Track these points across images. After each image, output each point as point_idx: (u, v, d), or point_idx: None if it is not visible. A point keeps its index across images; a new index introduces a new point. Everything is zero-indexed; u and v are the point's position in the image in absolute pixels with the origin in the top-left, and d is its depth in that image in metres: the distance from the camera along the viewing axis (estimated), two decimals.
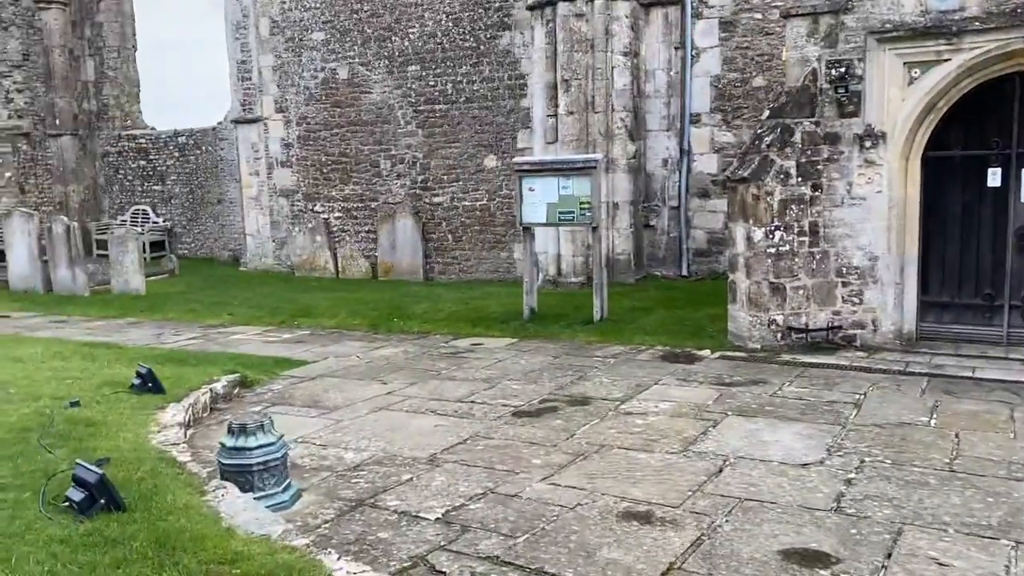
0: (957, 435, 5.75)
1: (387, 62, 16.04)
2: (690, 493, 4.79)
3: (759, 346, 8.70)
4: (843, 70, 8.50)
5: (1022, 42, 7.72)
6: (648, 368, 8.16)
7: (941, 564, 3.80)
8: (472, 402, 7.05)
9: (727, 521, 4.37)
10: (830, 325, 8.76)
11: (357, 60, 16.39)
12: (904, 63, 8.30)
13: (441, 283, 15.47)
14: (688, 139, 13.43)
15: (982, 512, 4.39)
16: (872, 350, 8.54)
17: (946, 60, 8.08)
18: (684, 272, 13.63)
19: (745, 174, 8.71)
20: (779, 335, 8.72)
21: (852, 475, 5.02)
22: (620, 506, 4.63)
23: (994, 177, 8.35)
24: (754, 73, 12.79)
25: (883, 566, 3.81)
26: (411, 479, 5.17)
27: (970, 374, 7.55)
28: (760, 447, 5.60)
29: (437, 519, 4.51)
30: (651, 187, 13.77)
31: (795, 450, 5.51)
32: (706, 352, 8.76)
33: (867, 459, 5.29)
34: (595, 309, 10.41)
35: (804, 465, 5.22)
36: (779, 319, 8.73)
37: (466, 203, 15.64)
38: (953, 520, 4.30)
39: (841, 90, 8.52)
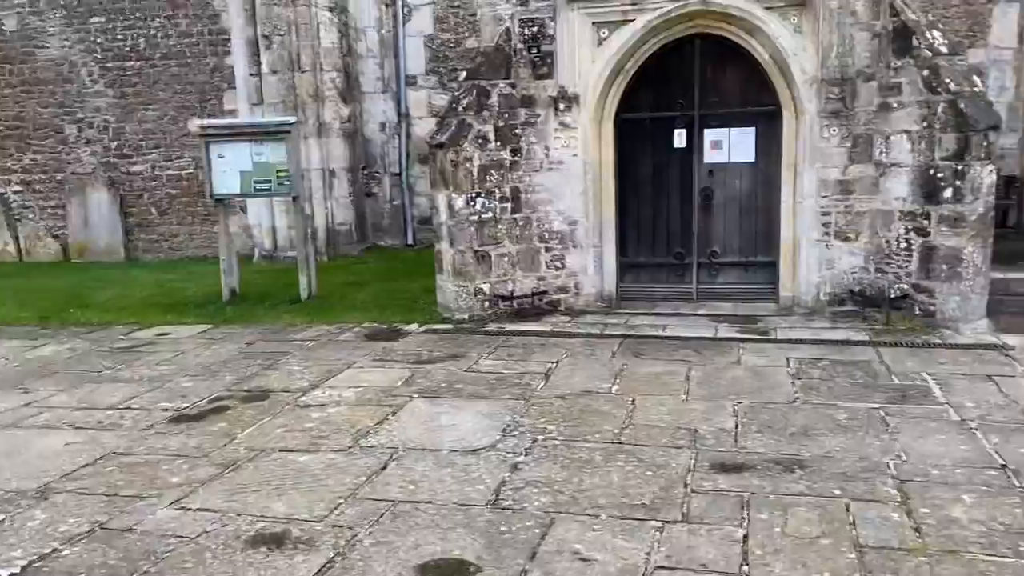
0: (634, 401, 5.68)
1: (65, 12, 13.93)
2: (341, 501, 4.23)
3: (467, 316, 8.39)
4: (535, 29, 8.28)
5: (699, 3, 7.85)
6: (348, 350, 7.54)
7: (583, 559, 3.54)
8: (127, 408, 6.05)
9: (370, 534, 3.86)
10: (535, 291, 8.63)
11: (27, 9, 14.10)
12: (593, 23, 8.22)
13: (145, 263, 13.86)
14: (405, 102, 12.87)
15: (637, 490, 4.23)
16: (576, 314, 8.53)
17: (631, 20, 8.09)
18: (410, 241, 13.16)
19: (443, 139, 8.27)
20: (486, 304, 8.46)
21: (520, 458, 4.72)
22: (254, 528, 3.97)
23: (679, 138, 8.56)
24: (467, 34, 12.41)
25: (524, 570, 3.47)
26: (1, 521, 4.17)
27: (661, 333, 7.70)
28: (436, 434, 5.18)
29: None
30: (371, 153, 13.08)
31: (471, 434, 5.15)
32: (413, 327, 8.31)
33: (540, 437, 5.04)
34: (301, 287, 9.62)
35: (475, 451, 4.85)
36: (486, 288, 8.45)
37: (170, 172, 14.08)
38: (608, 503, 4.09)
39: (534, 50, 8.30)
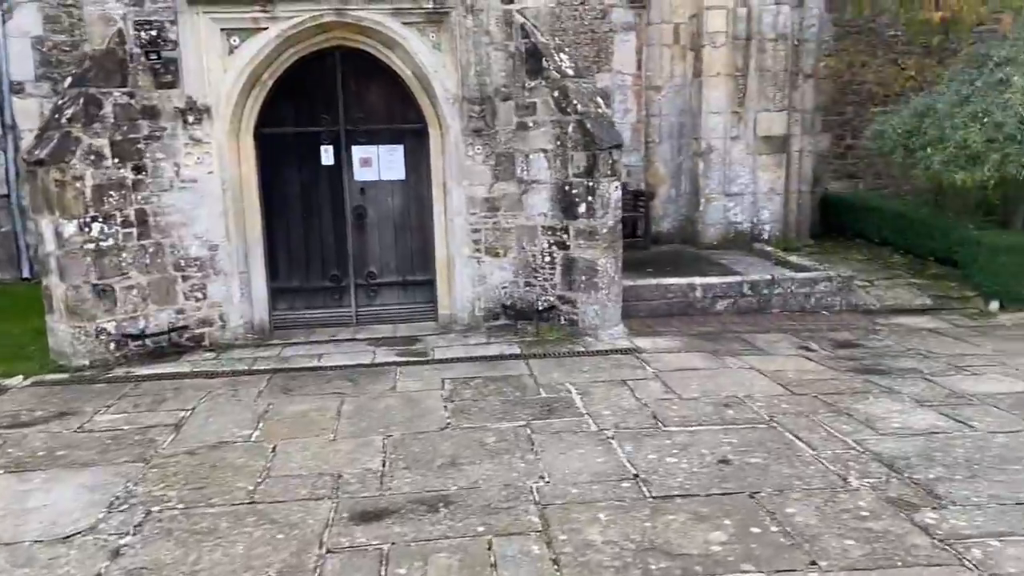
0: (275, 448, 5.11)
1: None
2: None
3: (87, 363, 7.16)
4: (154, 33, 7.36)
5: (334, 15, 7.48)
6: None
7: None
8: None
9: None
10: (173, 327, 7.66)
11: None
12: (222, 29, 7.50)
13: None
14: (11, 112, 10.95)
15: (265, 560, 3.68)
16: (223, 348, 7.70)
17: (264, 29, 7.50)
18: (26, 274, 11.22)
19: (43, 155, 7.01)
20: (112, 346, 7.31)
21: (126, 540, 3.93)
22: None
23: (327, 155, 8.12)
24: (85, 36, 10.87)
25: None
26: None
27: (316, 363, 7.18)
28: (18, 521, 4.18)
29: None
30: None
31: (66, 515, 4.23)
32: (16, 380, 6.90)
33: (155, 509, 4.27)
34: None
35: (67, 538, 3.97)
36: (111, 327, 7.31)
37: None
38: None
39: (154, 56, 7.38)
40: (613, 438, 5.08)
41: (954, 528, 3.80)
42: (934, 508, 4.02)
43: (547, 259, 7.90)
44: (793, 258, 9.88)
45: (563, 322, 7.87)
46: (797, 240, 11.37)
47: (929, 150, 8.77)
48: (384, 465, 4.75)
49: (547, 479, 4.47)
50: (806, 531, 3.80)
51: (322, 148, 8.10)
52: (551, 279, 7.92)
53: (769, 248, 10.68)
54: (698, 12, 11.11)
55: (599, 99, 8.02)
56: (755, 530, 3.82)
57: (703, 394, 5.98)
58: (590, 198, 7.63)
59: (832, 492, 4.23)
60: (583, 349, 7.36)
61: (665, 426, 5.30)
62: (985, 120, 8.30)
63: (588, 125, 7.53)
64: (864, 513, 3.98)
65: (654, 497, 4.21)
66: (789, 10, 10.89)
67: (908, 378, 6.29)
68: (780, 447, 4.89)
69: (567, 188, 7.70)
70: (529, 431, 5.23)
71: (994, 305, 8.63)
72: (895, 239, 10.62)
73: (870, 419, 5.36)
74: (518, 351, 7.29)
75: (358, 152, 8.13)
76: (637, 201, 11.35)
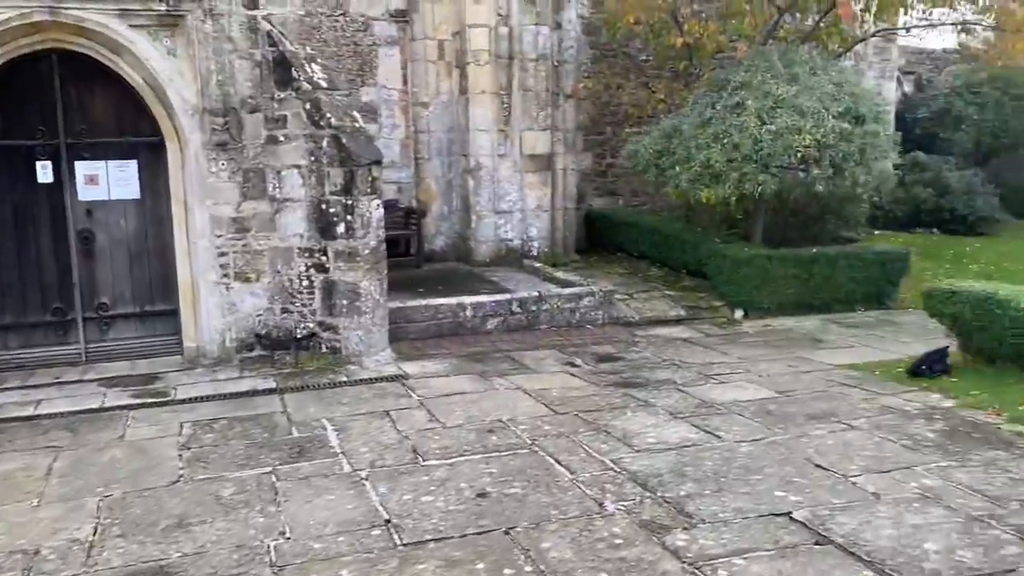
0: None
1: None
2: None
3: None
4: None
5: (47, 13, 6.57)
6: None
7: None
8: None
9: None
10: None
11: None
12: None
13: None
14: None
15: None
16: None
17: None
18: None
19: None
20: None
21: None
22: None
23: (45, 172, 7.12)
24: None
25: None
26: None
27: (32, 411, 6.20)
28: None
29: None
30: None
31: None
32: None
33: None
34: None
35: None
36: None
37: None
38: None
39: None
40: (367, 479, 4.71)
41: (703, 549, 3.80)
42: (684, 528, 4.02)
43: (305, 283, 7.40)
44: (560, 274, 10.04)
45: (325, 350, 7.40)
46: (564, 256, 11.61)
47: (678, 169, 9.22)
48: (95, 533, 4.07)
49: (288, 534, 4.01)
50: (560, 567, 3.64)
51: (38, 164, 7.10)
52: (310, 304, 7.43)
53: (538, 264, 10.80)
54: (461, 29, 11.07)
55: (355, 113, 7.65)
56: (508, 572, 3.61)
57: (467, 420, 5.77)
58: (349, 217, 7.24)
59: (588, 520, 4.12)
60: (346, 379, 6.93)
61: (425, 460, 5.01)
62: (725, 141, 8.84)
63: (344, 140, 7.15)
64: (618, 541, 3.89)
65: (405, 544, 3.89)
66: (548, 31, 11.13)
67: (663, 389, 6.46)
68: (540, 473, 4.76)
69: (324, 207, 7.26)
70: (274, 478, 4.74)
71: (739, 314, 9.21)
72: (652, 253, 11.12)
73: (627, 435, 5.38)
74: (273, 385, 6.72)
75: (82, 168, 7.21)
76: (409, 218, 11.08)
